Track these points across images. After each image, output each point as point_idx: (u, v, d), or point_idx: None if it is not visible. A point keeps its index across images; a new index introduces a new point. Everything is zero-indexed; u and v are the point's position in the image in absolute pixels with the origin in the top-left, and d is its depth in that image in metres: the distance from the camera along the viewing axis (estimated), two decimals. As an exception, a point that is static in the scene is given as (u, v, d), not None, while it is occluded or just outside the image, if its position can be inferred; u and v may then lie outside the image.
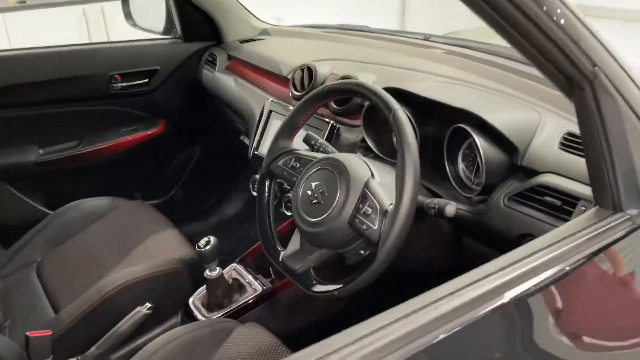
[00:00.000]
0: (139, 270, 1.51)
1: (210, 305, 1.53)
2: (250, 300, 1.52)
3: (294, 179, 1.19)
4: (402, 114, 1.01)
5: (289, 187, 1.49)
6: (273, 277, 1.65)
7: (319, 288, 1.07)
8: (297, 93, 1.61)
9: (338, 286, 1.04)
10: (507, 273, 0.71)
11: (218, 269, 1.48)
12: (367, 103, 1.34)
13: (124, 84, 2.07)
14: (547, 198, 1.02)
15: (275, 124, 1.60)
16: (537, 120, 1.16)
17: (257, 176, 1.62)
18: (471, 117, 1.16)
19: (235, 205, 2.48)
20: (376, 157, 1.36)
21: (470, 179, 1.22)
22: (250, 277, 1.61)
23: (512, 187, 1.09)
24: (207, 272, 1.48)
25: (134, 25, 2.21)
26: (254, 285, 1.57)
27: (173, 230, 1.73)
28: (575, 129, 1.13)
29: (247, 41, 2.11)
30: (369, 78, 1.48)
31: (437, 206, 1.01)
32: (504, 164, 1.12)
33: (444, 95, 1.24)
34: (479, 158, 1.10)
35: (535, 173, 1.08)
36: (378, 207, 1.00)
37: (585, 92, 0.79)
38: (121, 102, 2.11)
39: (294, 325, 1.60)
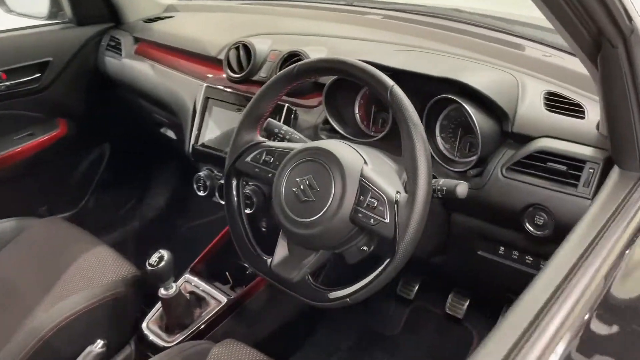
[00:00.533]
0: (77, 301, 1.28)
1: (169, 327, 1.34)
2: (216, 314, 1.35)
3: (269, 175, 1.04)
4: (400, 91, 0.90)
5: (244, 182, 1.32)
6: (231, 282, 1.49)
7: (332, 295, 0.94)
8: (235, 75, 1.43)
9: (350, 291, 0.92)
10: (586, 267, 0.64)
11: (174, 285, 1.30)
12: (330, 80, 1.21)
13: (9, 83, 1.73)
14: (550, 164, 0.97)
15: (217, 112, 1.42)
16: (515, 82, 1.11)
17: (202, 174, 1.43)
18: (450, 85, 1.08)
19: (158, 205, 2.24)
20: (342, 139, 1.24)
21: (453, 153, 1.14)
22: (207, 286, 1.44)
23: (507, 157, 1.04)
24: (162, 291, 1.29)
25: (9, 11, 1.86)
26: (215, 296, 1.41)
27: (103, 247, 1.49)
28: (552, 88, 1.09)
29: (153, 20, 1.86)
30: (319, 52, 1.34)
31: (444, 188, 0.92)
32: (496, 133, 1.05)
33: (416, 65, 1.14)
34: (474, 128, 1.02)
35: (528, 139, 1.03)
36: (384, 197, 0.89)
37: (617, 50, 0.73)
38: (9, 104, 1.77)
39: (266, 331, 1.46)
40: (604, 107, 0.82)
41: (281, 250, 1.02)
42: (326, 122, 1.27)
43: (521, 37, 1.36)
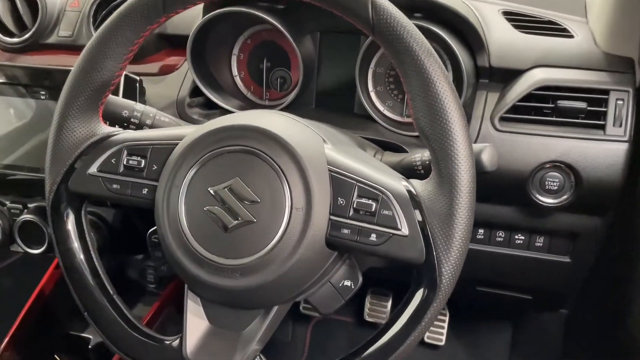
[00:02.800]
0: None
1: None
2: None
3: (143, 191, 0.56)
4: (387, 2, 0.50)
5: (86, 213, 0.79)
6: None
7: None
8: (14, 40, 0.86)
9: None
10: None
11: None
12: (198, 24, 0.75)
13: None
14: (563, 103, 0.69)
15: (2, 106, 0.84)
16: (461, 3, 0.81)
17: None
18: None
19: None
20: (223, 112, 0.81)
21: (400, 111, 0.80)
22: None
23: (491, 104, 0.73)
24: None
25: None
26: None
27: None
28: (506, 8, 0.82)
29: None
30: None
31: None
32: (472, 71, 0.73)
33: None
34: (457, 64, 0.69)
35: (514, 74, 0.73)
36: (388, 193, 0.50)
37: None
38: None
39: None
40: None
41: (196, 322, 0.56)
42: (195, 93, 0.81)
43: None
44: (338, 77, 0.82)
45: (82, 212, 0.60)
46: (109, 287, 0.59)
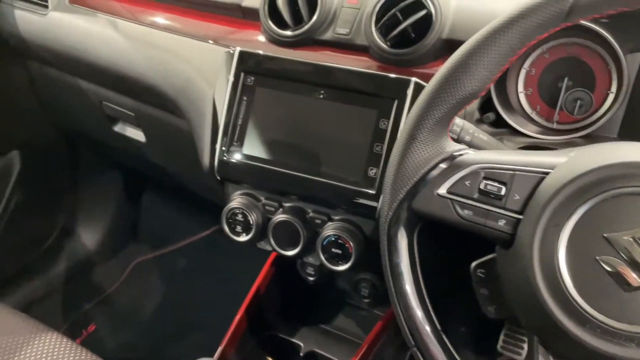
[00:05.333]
0: None
1: None
2: None
3: (501, 222, 0.49)
4: None
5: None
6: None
7: None
8: (288, 32, 0.84)
9: None
10: None
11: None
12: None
13: None
14: None
15: (262, 97, 0.81)
16: None
17: (238, 204, 0.82)
18: None
19: (95, 237, 1.55)
20: (513, 134, 0.73)
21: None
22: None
23: None
24: None
25: None
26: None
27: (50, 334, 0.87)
28: None
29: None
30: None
31: None
32: None
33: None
34: None
35: None
36: None
37: None
38: None
39: None
40: None
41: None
42: (487, 106, 0.74)
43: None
44: (654, 106, 0.71)
45: (415, 234, 0.54)
46: (435, 322, 0.53)
